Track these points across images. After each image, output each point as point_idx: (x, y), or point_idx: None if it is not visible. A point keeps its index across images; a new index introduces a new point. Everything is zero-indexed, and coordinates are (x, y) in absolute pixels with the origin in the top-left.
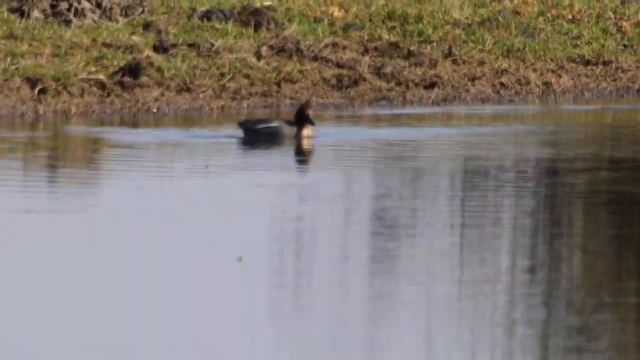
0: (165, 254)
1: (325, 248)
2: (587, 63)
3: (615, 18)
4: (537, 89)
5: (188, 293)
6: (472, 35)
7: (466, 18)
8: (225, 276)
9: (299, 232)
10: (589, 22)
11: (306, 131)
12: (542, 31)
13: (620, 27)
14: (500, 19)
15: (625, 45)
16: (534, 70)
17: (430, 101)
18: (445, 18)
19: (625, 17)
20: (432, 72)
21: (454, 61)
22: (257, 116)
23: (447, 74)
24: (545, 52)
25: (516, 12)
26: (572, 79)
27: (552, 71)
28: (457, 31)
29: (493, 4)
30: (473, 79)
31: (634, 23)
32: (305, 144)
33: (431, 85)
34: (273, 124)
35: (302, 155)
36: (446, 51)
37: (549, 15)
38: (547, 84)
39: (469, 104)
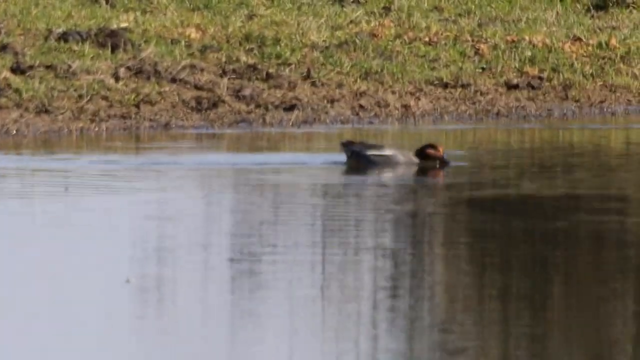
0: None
1: (185, 268)
2: (446, 86)
3: (473, 41)
4: (396, 112)
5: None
6: (330, 58)
7: (324, 40)
8: (91, 296)
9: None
10: (446, 44)
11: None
12: (400, 54)
13: (478, 49)
14: (358, 41)
15: (483, 68)
16: (393, 92)
17: (290, 123)
18: (303, 40)
19: (483, 40)
20: (291, 94)
21: (313, 83)
22: (361, 139)
23: (306, 96)
24: (403, 74)
25: (373, 35)
26: (431, 101)
27: (411, 94)
28: (315, 54)
29: (350, 26)
30: (332, 101)
31: (492, 46)
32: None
33: (291, 108)
34: (386, 153)
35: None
36: (305, 73)
37: (405, 37)
38: (406, 107)
39: (328, 126)
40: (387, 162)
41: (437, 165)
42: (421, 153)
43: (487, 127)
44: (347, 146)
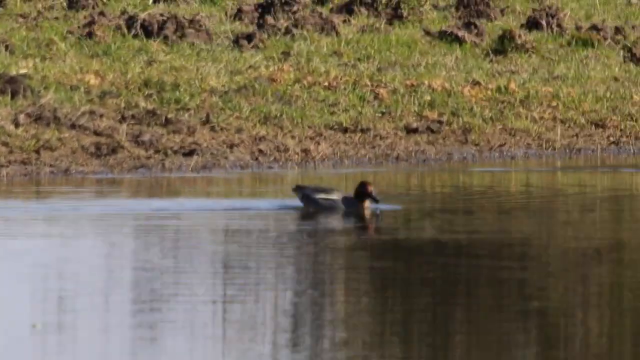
0: None
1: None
2: (346, 130)
3: (372, 85)
4: (296, 156)
5: None
6: (229, 103)
7: (222, 85)
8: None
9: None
10: (345, 89)
11: (367, 204)
12: (299, 98)
13: (378, 94)
14: (257, 86)
15: (383, 113)
16: (292, 137)
17: (190, 168)
18: (202, 86)
19: (382, 84)
20: (190, 139)
21: (212, 128)
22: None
23: (205, 141)
24: (303, 119)
25: (272, 80)
26: (331, 146)
27: (311, 138)
28: (214, 98)
29: (249, 71)
30: (231, 146)
31: (391, 90)
32: (367, 214)
33: (190, 153)
34: (333, 197)
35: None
36: (204, 118)
37: (305, 82)
38: (305, 151)
39: (228, 171)
40: (334, 206)
41: (369, 204)
42: (361, 190)
43: (387, 170)
44: (298, 190)
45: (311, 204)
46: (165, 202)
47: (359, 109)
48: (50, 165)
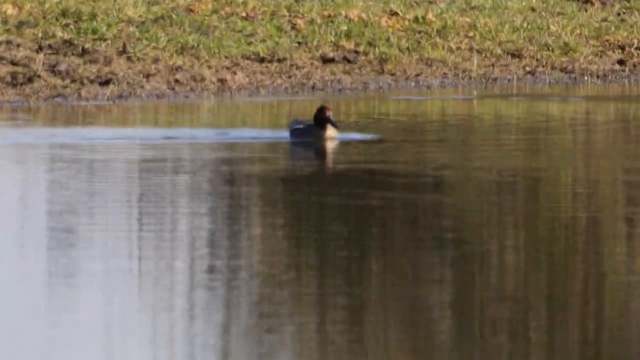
0: None
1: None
2: (262, 60)
3: (290, 15)
4: (213, 86)
5: None
6: (146, 33)
7: (140, 16)
8: None
9: None
10: (263, 19)
11: (329, 132)
12: (216, 29)
13: (295, 24)
14: (174, 16)
15: (299, 43)
16: (209, 67)
17: (106, 98)
18: (119, 16)
19: (300, 15)
20: (107, 69)
21: (129, 58)
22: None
23: (122, 71)
24: (220, 49)
25: (190, 10)
26: (248, 75)
27: (227, 68)
28: (131, 29)
29: (166, 1)
30: (148, 76)
31: (308, 21)
32: (329, 145)
33: (106, 82)
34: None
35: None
36: (121, 48)
37: (222, 12)
38: (222, 81)
39: (144, 101)
40: (307, 133)
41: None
42: (319, 115)
43: (303, 100)
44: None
45: (291, 136)
46: (82, 130)
47: (276, 39)
48: None
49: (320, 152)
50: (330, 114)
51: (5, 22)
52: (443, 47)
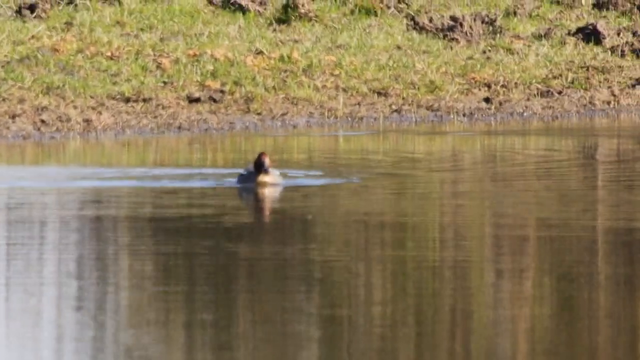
0: None
1: None
2: (128, 100)
3: (155, 55)
4: (78, 126)
5: None
6: (12, 73)
7: (5, 56)
8: None
9: None
10: (128, 59)
11: (264, 178)
12: (82, 68)
13: (160, 64)
14: (39, 56)
15: (165, 82)
16: (75, 107)
17: None
18: None
19: (165, 54)
20: None
21: None
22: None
23: None
24: (85, 89)
25: (55, 49)
26: (113, 115)
27: (93, 108)
28: None
29: (31, 41)
30: (14, 117)
31: (174, 60)
32: (266, 191)
33: None
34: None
35: None
36: None
37: (87, 52)
38: (88, 121)
39: (9, 141)
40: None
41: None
42: (256, 161)
43: (169, 140)
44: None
45: (237, 181)
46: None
47: (142, 78)
48: None
49: (245, 197)
50: (265, 159)
51: None
52: (309, 86)
